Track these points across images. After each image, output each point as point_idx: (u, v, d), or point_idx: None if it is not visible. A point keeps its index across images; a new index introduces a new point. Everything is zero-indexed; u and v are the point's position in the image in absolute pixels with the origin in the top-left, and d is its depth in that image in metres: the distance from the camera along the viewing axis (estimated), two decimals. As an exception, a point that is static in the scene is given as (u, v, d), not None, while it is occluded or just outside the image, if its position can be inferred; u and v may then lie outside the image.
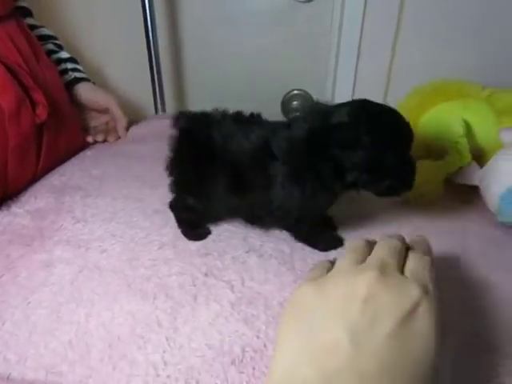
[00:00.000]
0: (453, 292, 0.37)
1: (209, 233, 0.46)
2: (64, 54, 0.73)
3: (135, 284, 0.38)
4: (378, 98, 0.83)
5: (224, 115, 0.44)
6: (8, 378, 0.30)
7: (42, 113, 0.56)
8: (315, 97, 0.97)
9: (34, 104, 0.56)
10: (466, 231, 0.47)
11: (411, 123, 0.61)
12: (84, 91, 0.72)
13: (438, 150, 0.57)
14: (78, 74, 0.73)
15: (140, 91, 0.91)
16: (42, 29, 0.72)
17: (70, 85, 0.72)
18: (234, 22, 0.91)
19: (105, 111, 0.74)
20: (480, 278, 0.39)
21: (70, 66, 0.73)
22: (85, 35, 0.89)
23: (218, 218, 0.48)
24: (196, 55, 0.95)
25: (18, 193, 0.56)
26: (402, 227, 0.47)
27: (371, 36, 0.79)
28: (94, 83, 0.75)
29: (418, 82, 0.67)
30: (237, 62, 0.94)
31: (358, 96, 0.86)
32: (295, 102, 0.99)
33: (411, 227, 0.47)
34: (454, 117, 0.55)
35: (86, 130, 0.73)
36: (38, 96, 0.56)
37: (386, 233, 0.31)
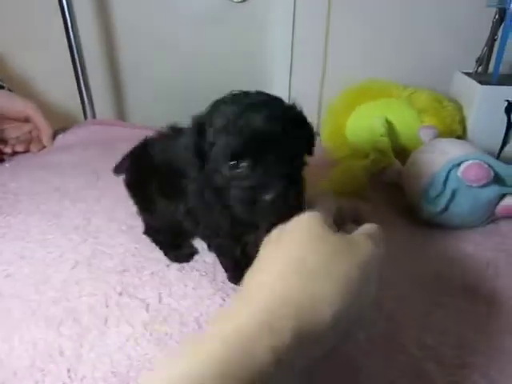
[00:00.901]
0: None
1: (194, 252, 0.43)
2: None
3: (40, 310, 0.36)
4: (313, 99, 0.85)
5: (160, 132, 0.43)
6: None
7: None
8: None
9: None
10: (390, 231, 0.48)
11: (338, 125, 0.63)
12: None
13: (362, 149, 0.58)
14: None
15: (69, 97, 0.86)
16: None
17: None
18: (169, 23, 0.88)
19: (25, 120, 0.69)
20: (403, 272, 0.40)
21: None
22: (5, 39, 0.82)
23: (189, 235, 0.44)
24: (130, 58, 0.91)
25: None
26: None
27: (303, 37, 0.80)
28: (10, 90, 0.70)
29: (352, 82, 0.68)
30: (173, 64, 0.92)
31: (296, 97, 0.86)
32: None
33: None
34: (375, 116, 0.56)
35: (3, 141, 0.68)
36: None
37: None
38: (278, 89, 0.84)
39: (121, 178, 0.46)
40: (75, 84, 0.80)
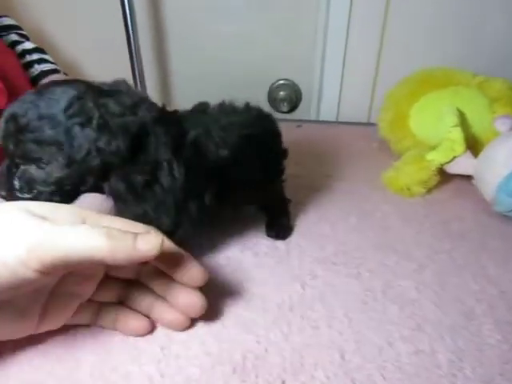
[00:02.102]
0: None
1: None
2: (29, 45, 0.68)
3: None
4: (367, 87, 0.82)
5: None
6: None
7: (0, 99, 0.51)
8: (302, 86, 0.95)
9: None
10: (462, 221, 0.47)
11: (400, 115, 0.61)
12: None
13: (429, 140, 0.56)
14: (44, 67, 0.68)
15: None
16: (4, 18, 0.67)
17: (37, 80, 0.67)
18: (217, 9, 0.87)
19: None
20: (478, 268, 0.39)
21: (35, 57, 0.67)
22: (62, 26, 0.83)
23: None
24: (179, 46, 0.91)
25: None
26: (390, 220, 0.46)
27: (359, 23, 0.77)
28: (66, 74, 0.71)
29: (408, 70, 0.66)
30: (221, 51, 0.91)
31: (347, 85, 0.84)
32: (282, 92, 0.96)
33: (400, 220, 0.47)
34: (446, 105, 0.54)
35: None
36: None
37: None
38: (330, 79, 0.82)
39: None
40: (129, 72, 0.81)
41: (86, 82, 0.33)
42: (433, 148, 0.53)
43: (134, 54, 0.77)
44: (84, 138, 0.30)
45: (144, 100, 0.34)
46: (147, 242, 0.25)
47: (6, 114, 0.31)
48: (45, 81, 0.66)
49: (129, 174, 0.32)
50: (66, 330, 0.31)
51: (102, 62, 0.84)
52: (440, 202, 0.51)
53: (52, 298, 0.29)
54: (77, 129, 0.30)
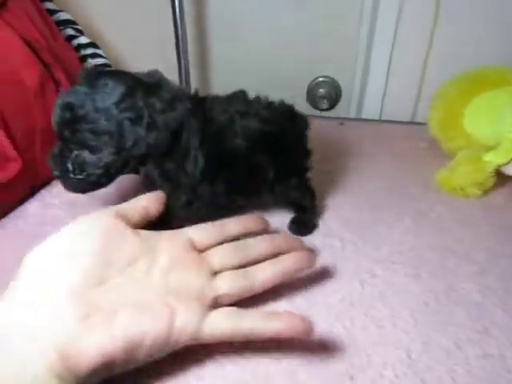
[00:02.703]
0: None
1: None
2: (84, 40, 0.70)
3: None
4: (412, 85, 0.81)
5: None
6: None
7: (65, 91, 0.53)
8: (342, 84, 0.94)
9: (56, 82, 0.53)
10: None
11: (453, 114, 0.59)
12: None
13: (486, 141, 0.54)
14: (97, 61, 0.70)
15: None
16: (61, 13, 0.69)
17: None
18: (259, 5, 0.87)
19: None
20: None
21: (89, 51, 0.70)
22: (110, 22, 0.86)
23: None
24: (220, 41, 0.91)
25: (49, 181, 0.54)
26: (446, 221, 0.45)
27: (409, 21, 0.75)
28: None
29: (457, 69, 0.64)
30: (261, 47, 0.91)
31: (392, 83, 0.83)
32: (322, 90, 0.96)
33: (457, 222, 0.45)
34: (506, 106, 0.52)
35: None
36: (60, 74, 0.53)
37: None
38: (374, 77, 0.81)
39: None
40: (174, 67, 0.82)
41: (130, 74, 0.37)
42: (490, 148, 0.51)
43: (180, 50, 0.79)
44: (134, 132, 0.34)
45: (180, 93, 0.37)
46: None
47: (60, 102, 0.34)
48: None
49: (163, 162, 0.36)
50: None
51: (148, 56, 0.86)
52: (498, 205, 0.49)
53: None
54: (127, 123, 0.34)
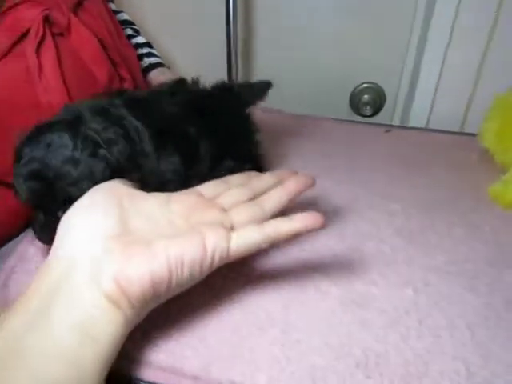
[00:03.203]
0: None
1: None
2: (140, 39, 0.73)
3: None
4: (463, 95, 0.79)
5: None
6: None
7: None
8: (387, 90, 0.93)
9: (121, 80, 0.56)
10: None
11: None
12: (155, 77, 0.71)
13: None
14: (152, 60, 0.73)
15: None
16: (122, 14, 0.73)
17: (145, 71, 0.71)
18: (307, 10, 0.88)
19: None
20: None
21: (145, 50, 0.73)
22: (162, 22, 0.89)
23: None
24: (266, 44, 0.93)
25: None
26: (501, 236, 0.44)
27: (464, 31, 0.74)
28: (168, 67, 0.75)
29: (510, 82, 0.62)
30: (306, 51, 0.92)
31: (442, 92, 0.81)
32: (366, 96, 0.95)
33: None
34: None
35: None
36: (124, 71, 0.56)
37: None
38: (423, 85, 0.80)
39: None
40: (223, 69, 0.84)
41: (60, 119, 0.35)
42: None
43: (232, 53, 0.80)
44: (102, 161, 0.33)
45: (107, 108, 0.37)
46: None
47: (23, 173, 0.32)
48: (153, 73, 0.70)
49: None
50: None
51: (199, 58, 0.88)
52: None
53: None
54: (91, 158, 0.33)
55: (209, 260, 0.27)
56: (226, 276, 0.36)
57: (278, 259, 0.39)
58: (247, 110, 0.45)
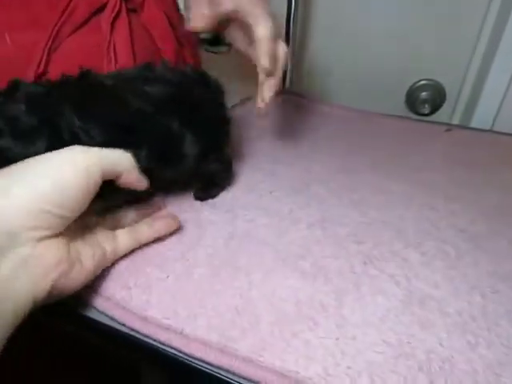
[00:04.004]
0: None
1: None
2: None
3: (289, 261, 0.37)
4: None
5: None
6: (182, 332, 0.30)
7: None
8: (448, 89, 0.88)
9: (184, 61, 0.56)
10: None
11: None
12: None
13: None
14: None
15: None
16: None
17: None
18: (368, 2, 0.84)
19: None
20: None
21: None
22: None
23: None
24: (324, 38, 0.90)
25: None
26: None
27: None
28: None
29: None
30: (365, 46, 0.88)
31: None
32: (424, 93, 0.90)
33: None
34: None
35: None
36: (187, 52, 0.55)
37: None
38: (493, 81, 0.74)
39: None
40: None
41: None
42: None
43: (290, 44, 0.79)
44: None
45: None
46: None
47: None
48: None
49: None
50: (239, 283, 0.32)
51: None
52: None
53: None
54: None
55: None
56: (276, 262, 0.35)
57: (332, 250, 0.38)
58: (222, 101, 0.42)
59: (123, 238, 0.35)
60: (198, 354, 0.28)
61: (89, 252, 0.30)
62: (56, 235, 0.26)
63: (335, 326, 0.30)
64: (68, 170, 0.26)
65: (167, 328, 0.30)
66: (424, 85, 0.90)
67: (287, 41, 0.80)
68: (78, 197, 0.26)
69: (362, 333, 0.30)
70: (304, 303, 0.32)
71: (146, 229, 0.37)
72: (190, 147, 0.37)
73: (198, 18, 0.44)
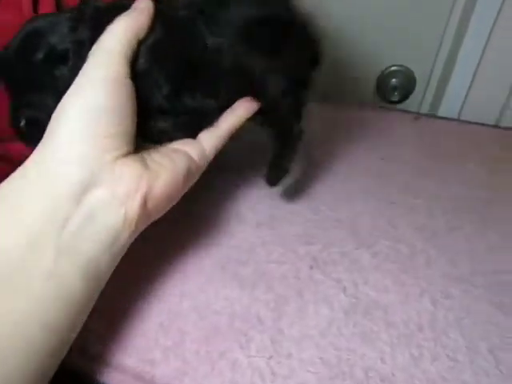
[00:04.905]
0: None
1: None
2: None
3: (230, 266, 0.34)
4: (503, 86, 0.71)
5: None
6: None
7: None
8: (418, 76, 0.85)
9: None
10: None
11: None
12: None
13: None
14: None
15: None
16: None
17: None
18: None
19: None
20: None
21: None
22: None
23: None
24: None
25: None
26: None
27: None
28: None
29: None
30: (334, 31, 0.84)
31: (479, 82, 0.73)
32: (394, 80, 0.87)
33: None
34: None
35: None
36: None
37: None
38: (461, 68, 0.72)
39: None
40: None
41: None
42: None
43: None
44: None
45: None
46: None
47: None
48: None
49: None
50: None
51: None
52: None
53: None
54: None
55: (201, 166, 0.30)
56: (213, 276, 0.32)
57: (278, 253, 0.35)
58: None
59: (205, 137, 0.31)
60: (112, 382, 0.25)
61: (168, 162, 0.28)
62: (128, 152, 0.25)
63: (270, 342, 0.27)
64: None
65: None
66: (395, 71, 0.88)
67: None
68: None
69: (298, 349, 0.27)
70: (239, 316, 0.29)
71: (228, 117, 0.32)
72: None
73: None
